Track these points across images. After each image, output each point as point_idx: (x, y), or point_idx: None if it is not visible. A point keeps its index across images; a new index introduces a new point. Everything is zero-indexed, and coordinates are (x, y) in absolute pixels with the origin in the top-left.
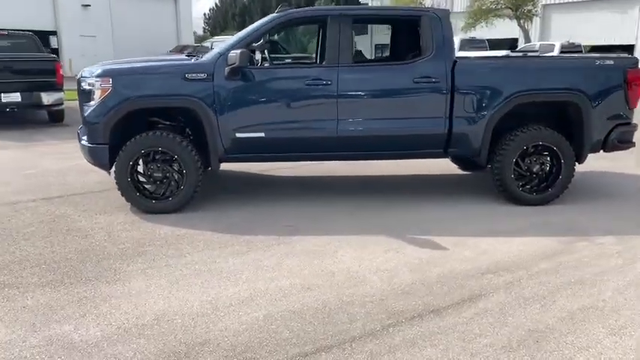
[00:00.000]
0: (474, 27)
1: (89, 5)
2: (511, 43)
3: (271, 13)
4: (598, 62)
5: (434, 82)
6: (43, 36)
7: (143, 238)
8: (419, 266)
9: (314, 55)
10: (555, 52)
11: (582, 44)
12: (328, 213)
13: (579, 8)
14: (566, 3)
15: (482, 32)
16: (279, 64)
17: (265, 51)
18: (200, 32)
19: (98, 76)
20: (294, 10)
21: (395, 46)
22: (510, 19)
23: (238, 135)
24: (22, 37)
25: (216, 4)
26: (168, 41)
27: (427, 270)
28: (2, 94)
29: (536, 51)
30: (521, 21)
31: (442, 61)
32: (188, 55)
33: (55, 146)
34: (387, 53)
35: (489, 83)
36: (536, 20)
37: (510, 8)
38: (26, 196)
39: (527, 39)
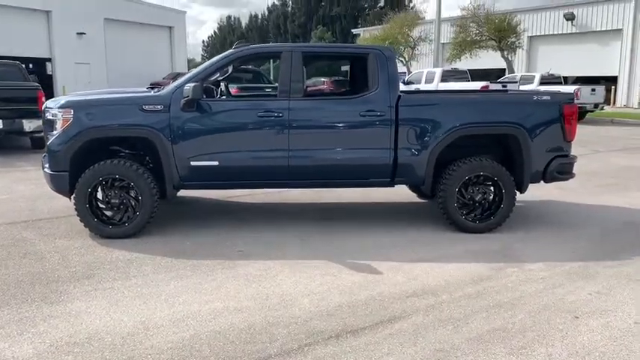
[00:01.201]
0: (458, 58)
1: (84, 33)
2: (498, 74)
3: (268, 40)
4: (536, 97)
5: (379, 116)
6: (40, 63)
7: (95, 261)
8: (350, 289)
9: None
10: (535, 83)
11: (568, 75)
12: (280, 239)
13: (564, 40)
14: (552, 35)
15: (470, 63)
16: (238, 96)
17: (223, 83)
18: (199, 59)
19: (61, 107)
20: (251, 46)
21: (351, 80)
22: (494, 50)
23: (193, 163)
24: (7, 66)
25: (215, 32)
26: (162, 68)
27: (357, 293)
28: None
29: (516, 82)
30: (505, 52)
31: (387, 95)
32: (149, 88)
33: (33, 172)
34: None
35: (431, 116)
36: (522, 52)
37: (494, 40)
38: None
39: (511, 70)
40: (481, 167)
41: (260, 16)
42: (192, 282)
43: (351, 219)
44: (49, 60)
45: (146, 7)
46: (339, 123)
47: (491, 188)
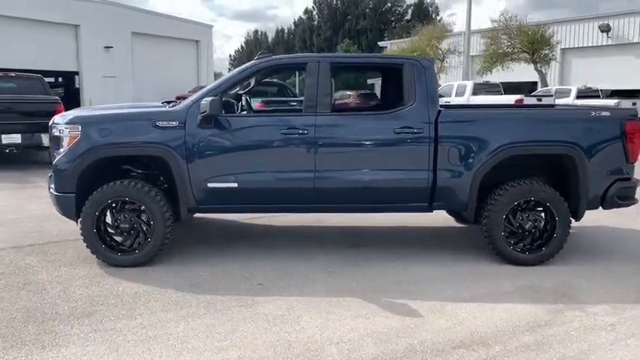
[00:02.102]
0: (490, 70)
1: (111, 47)
2: (530, 87)
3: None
4: (594, 113)
5: (416, 133)
6: (70, 77)
7: (99, 295)
8: (386, 337)
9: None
10: (571, 97)
11: (602, 88)
12: (305, 270)
13: (599, 53)
14: (586, 47)
15: (501, 75)
16: (260, 111)
17: (245, 97)
18: (226, 73)
19: (68, 122)
20: (273, 57)
21: (383, 94)
22: (527, 63)
23: (210, 185)
24: (29, 79)
25: (241, 46)
26: (189, 82)
27: (394, 342)
28: (3, 136)
29: (552, 95)
30: (538, 65)
31: (425, 110)
32: (164, 103)
33: (46, 189)
34: None
35: (476, 134)
36: (556, 64)
37: (527, 52)
38: None
39: (545, 83)
40: (532, 191)
41: (286, 30)
42: (205, 323)
43: (383, 246)
44: (77, 73)
45: (173, 21)
46: (370, 141)
47: (543, 215)
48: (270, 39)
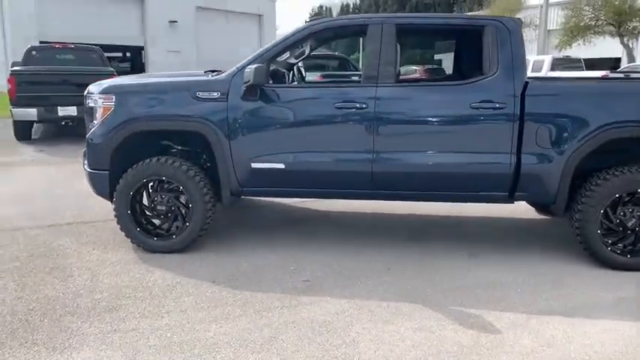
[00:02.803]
0: (569, 45)
1: (176, 21)
2: (613, 63)
3: None
4: None
5: (497, 108)
6: (137, 51)
7: (127, 286)
8: (456, 358)
9: None
10: None
11: None
12: (359, 265)
13: None
14: None
15: (580, 51)
16: (312, 82)
17: (297, 67)
18: None
19: (101, 92)
20: (327, 18)
21: (457, 63)
22: (612, 36)
23: (254, 165)
24: (87, 50)
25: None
26: None
27: None
28: (59, 108)
29: None
30: (625, 39)
31: (509, 81)
32: (207, 72)
33: None
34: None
35: (572, 111)
36: None
37: (612, 25)
38: (35, 222)
39: (632, 58)
40: (639, 182)
41: (352, 5)
42: (240, 327)
43: (451, 240)
44: (143, 48)
45: None
46: (441, 117)
47: None
48: (335, 14)
